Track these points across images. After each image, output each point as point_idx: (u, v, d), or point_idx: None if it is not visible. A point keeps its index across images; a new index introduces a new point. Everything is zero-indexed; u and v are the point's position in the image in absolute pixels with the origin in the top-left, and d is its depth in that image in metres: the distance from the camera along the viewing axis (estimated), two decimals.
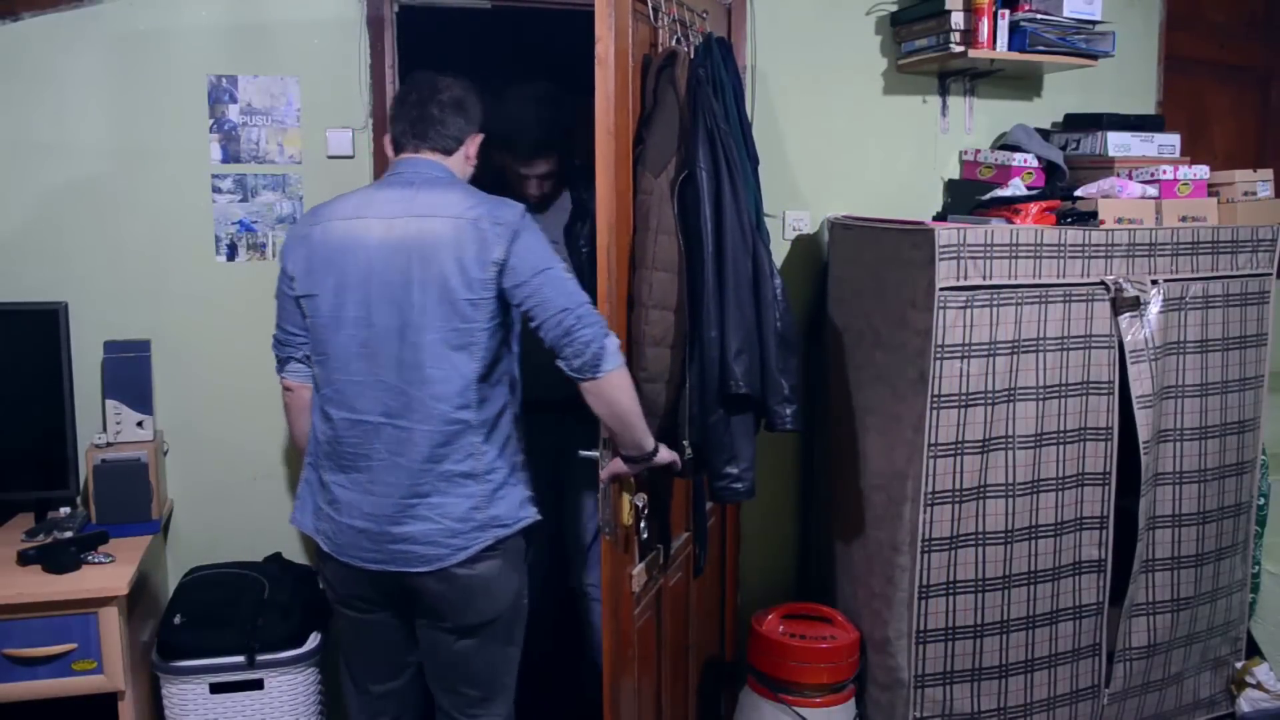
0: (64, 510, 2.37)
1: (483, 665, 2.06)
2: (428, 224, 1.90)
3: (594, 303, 1.91)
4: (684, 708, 2.74)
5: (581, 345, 1.85)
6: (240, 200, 2.53)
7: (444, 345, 1.89)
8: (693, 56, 2.24)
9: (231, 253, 2.54)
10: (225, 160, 2.51)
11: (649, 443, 1.99)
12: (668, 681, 2.54)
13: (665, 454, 2.04)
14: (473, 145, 2.06)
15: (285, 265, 2.00)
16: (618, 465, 2.02)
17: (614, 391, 1.89)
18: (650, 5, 2.16)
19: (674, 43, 2.20)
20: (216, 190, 2.52)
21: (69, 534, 2.25)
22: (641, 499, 2.09)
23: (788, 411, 2.21)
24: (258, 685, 2.28)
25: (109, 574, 2.09)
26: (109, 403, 2.41)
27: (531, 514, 2.02)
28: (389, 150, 2.06)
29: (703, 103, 2.12)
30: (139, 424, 2.42)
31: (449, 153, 2.02)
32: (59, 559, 2.10)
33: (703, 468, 2.22)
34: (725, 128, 2.16)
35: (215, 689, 2.26)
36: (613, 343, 1.88)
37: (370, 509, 1.94)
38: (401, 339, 1.90)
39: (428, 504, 1.92)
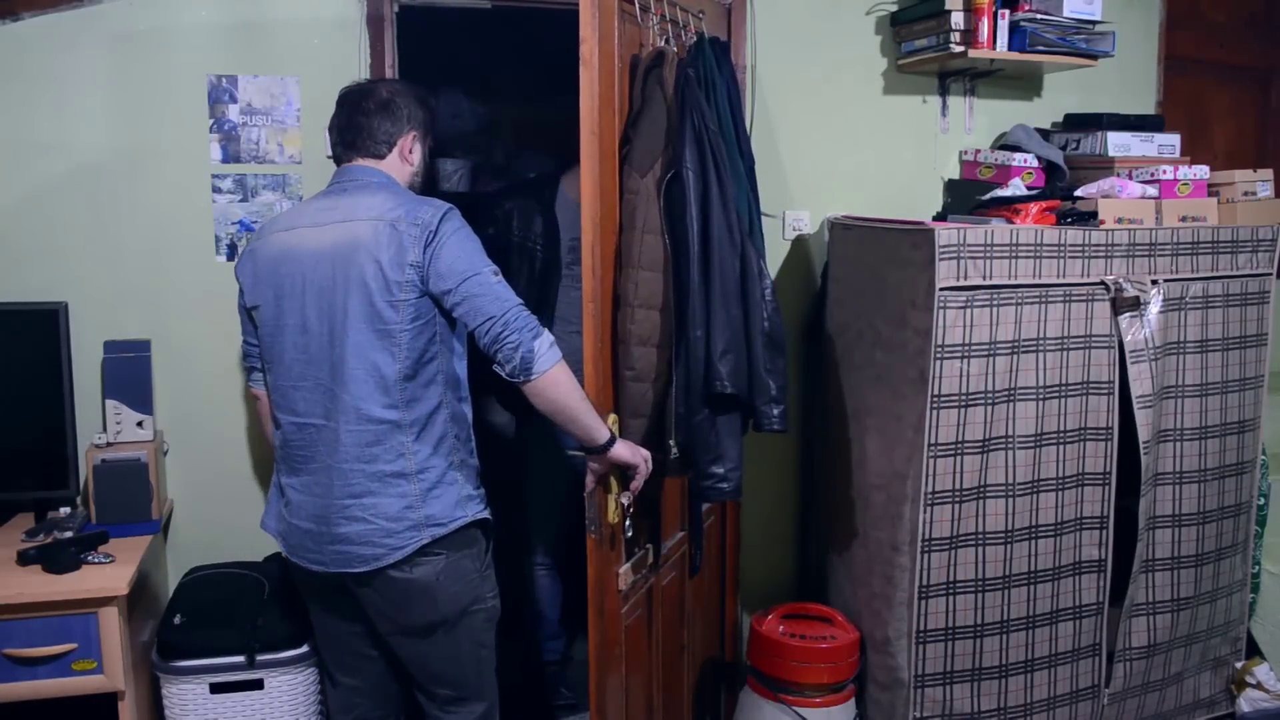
0: (64, 510, 2.37)
1: (444, 665, 2.08)
2: (349, 228, 1.93)
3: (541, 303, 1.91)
4: (680, 707, 2.74)
5: (510, 351, 1.87)
6: (240, 200, 2.53)
7: (365, 347, 1.91)
8: (684, 57, 2.24)
9: (231, 253, 2.54)
10: (225, 160, 2.51)
11: (600, 434, 1.98)
12: (661, 680, 2.55)
13: (623, 449, 2.02)
14: (407, 144, 2.07)
15: (237, 279, 2.06)
16: (590, 464, 2.04)
17: (551, 390, 1.90)
18: (638, 5, 2.16)
19: (663, 43, 2.20)
20: (216, 190, 2.52)
21: (69, 534, 2.25)
22: (628, 497, 2.10)
23: (774, 412, 2.21)
24: (258, 685, 2.28)
25: (109, 574, 2.09)
26: (109, 403, 2.41)
27: (471, 513, 2.01)
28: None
29: (691, 103, 2.11)
30: (139, 424, 2.42)
31: (380, 157, 2.05)
32: (59, 559, 2.10)
33: (689, 467, 2.22)
34: (714, 128, 2.15)
35: (215, 689, 2.26)
36: (542, 343, 1.88)
37: (313, 510, 1.99)
38: (331, 342, 1.94)
39: (361, 504, 1.94)
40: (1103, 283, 2.60)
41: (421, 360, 1.94)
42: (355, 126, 2.04)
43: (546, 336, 1.90)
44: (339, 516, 1.96)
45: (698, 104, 2.13)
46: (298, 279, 1.96)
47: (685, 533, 2.61)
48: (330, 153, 2.09)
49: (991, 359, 2.50)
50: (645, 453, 2.07)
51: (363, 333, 1.91)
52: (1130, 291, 2.60)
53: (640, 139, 2.11)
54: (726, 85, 2.35)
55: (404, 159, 2.08)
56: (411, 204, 1.95)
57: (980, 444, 2.52)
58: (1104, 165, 2.90)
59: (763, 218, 2.89)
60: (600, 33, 1.96)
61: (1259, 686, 2.98)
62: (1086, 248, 2.57)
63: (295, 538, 2.03)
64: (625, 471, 2.06)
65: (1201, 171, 2.83)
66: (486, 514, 2.05)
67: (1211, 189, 2.86)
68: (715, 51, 2.35)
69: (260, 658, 2.26)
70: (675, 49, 2.22)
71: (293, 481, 2.03)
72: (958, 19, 2.77)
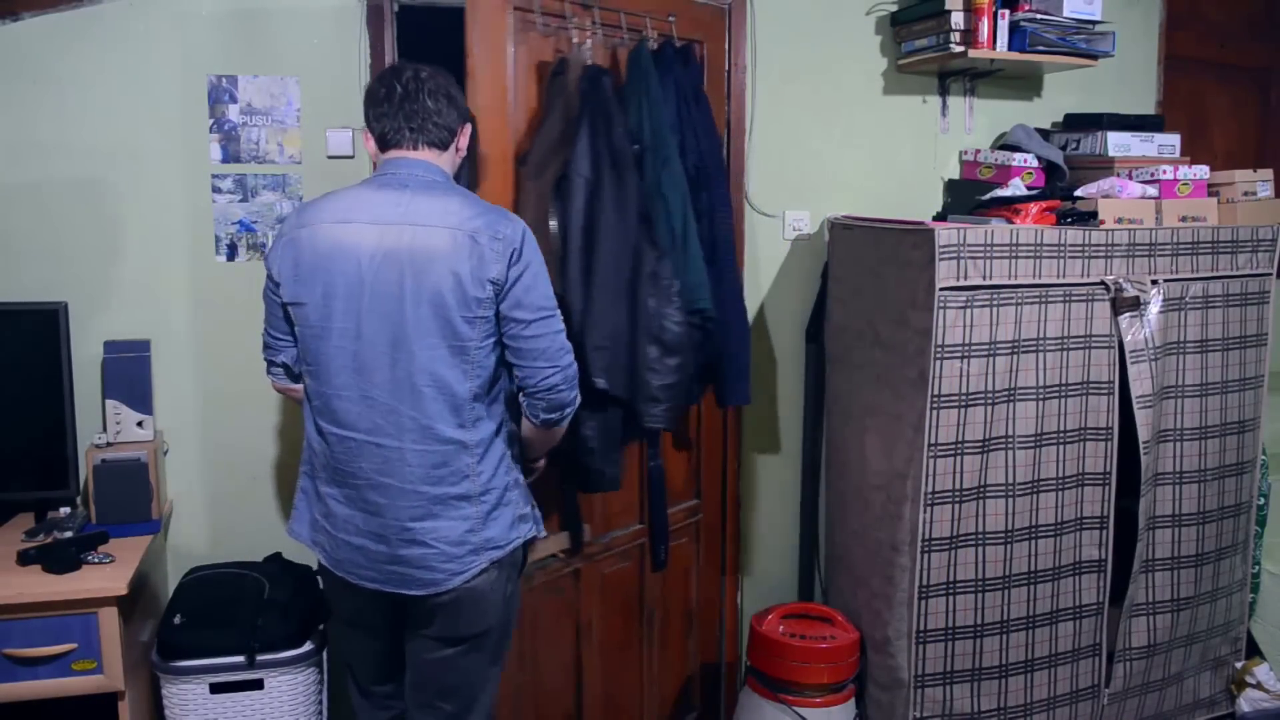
0: (64, 510, 2.37)
1: (461, 677, 2.01)
2: (423, 234, 1.79)
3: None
4: (640, 697, 2.80)
5: (556, 400, 1.88)
6: (240, 200, 2.53)
7: (438, 363, 1.80)
8: (608, 64, 2.33)
9: (231, 253, 2.54)
10: (225, 160, 2.51)
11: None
12: (598, 664, 2.65)
13: (542, 463, 2.14)
14: (464, 137, 1.95)
15: (271, 269, 1.89)
16: (538, 466, 2.13)
17: (555, 434, 1.99)
18: (540, 13, 2.24)
19: (588, 49, 2.27)
20: (216, 190, 2.52)
21: (69, 534, 2.25)
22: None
23: (654, 410, 2.23)
24: (258, 685, 2.28)
25: (109, 574, 2.09)
26: (109, 403, 2.41)
27: (524, 532, 1.97)
28: (371, 147, 1.92)
29: (593, 108, 2.16)
30: (139, 424, 2.42)
31: (444, 146, 1.90)
32: (59, 559, 2.10)
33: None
34: (621, 132, 2.19)
35: (215, 689, 2.26)
36: (578, 395, 1.93)
37: (365, 526, 1.88)
38: (393, 354, 1.81)
39: (423, 528, 1.85)
40: (1103, 283, 2.60)
41: (492, 380, 1.88)
42: (424, 111, 1.86)
43: (579, 391, 1.94)
44: (398, 539, 1.85)
45: (602, 109, 2.17)
46: (354, 280, 1.80)
47: (645, 526, 2.68)
48: (375, 134, 1.89)
49: (991, 359, 2.50)
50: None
51: (436, 348, 1.80)
52: (1130, 291, 2.60)
53: (537, 142, 2.19)
54: (678, 87, 2.40)
55: (458, 151, 1.96)
56: (489, 214, 1.83)
57: (980, 444, 2.52)
58: (1104, 165, 2.90)
59: (765, 217, 2.92)
60: (491, 45, 2.11)
61: (1259, 686, 2.98)
62: (1086, 248, 2.57)
63: (343, 552, 1.91)
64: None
65: (1201, 171, 2.83)
66: (535, 532, 2.01)
67: (1211, 189, 2.86)
68: (669, 55, 2.41)
69: (260, 658, 2.26)
70: (590, 56, 2.28)
71: (334, 492, 1.90)
72: (958, 19, 2.77)
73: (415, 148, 1.88)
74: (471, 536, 1.87)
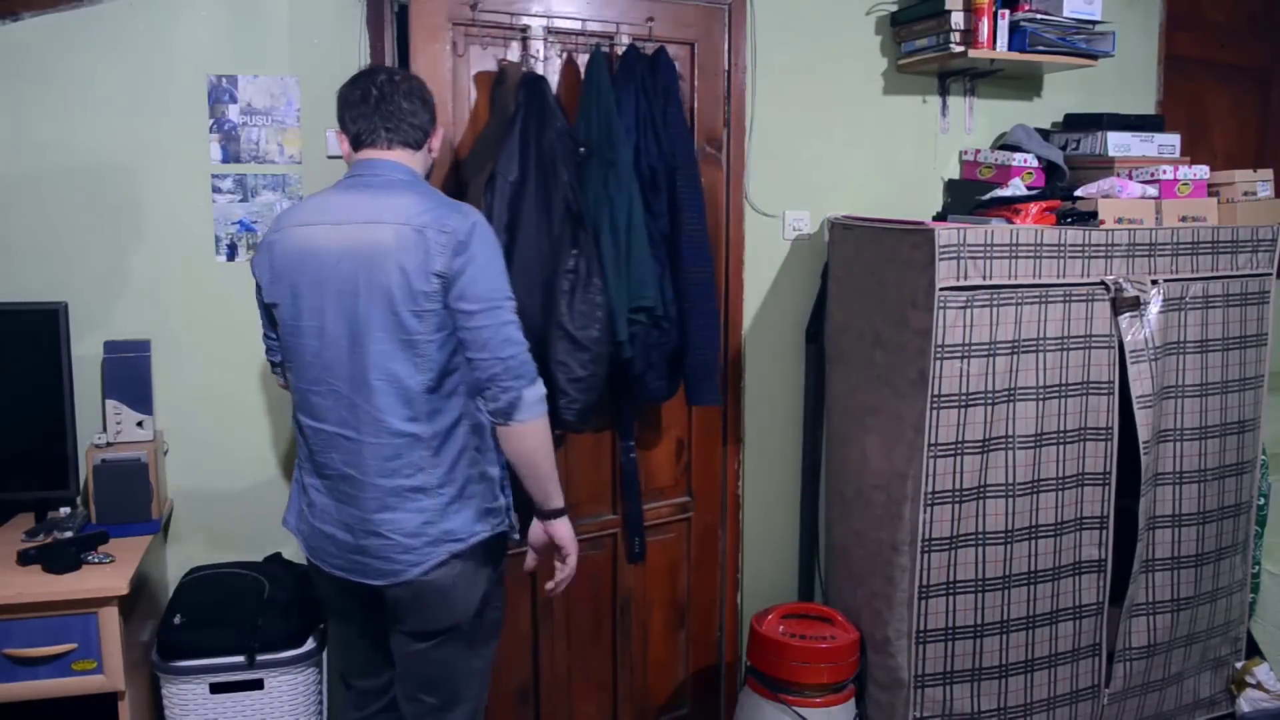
0: (64, 510, 2.37)
1: (439, 672, 2.03)
2: (374, 230, 1.85)
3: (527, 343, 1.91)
4: (612, 684, 2.89)
5: (499, 392, 1.85)
6: (240, 200, 2.53)
7: (389, 357, 1.85)
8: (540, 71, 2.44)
9: (231, 253, 2.54)
10: (225, 160, 2.51)
11: (554, 500, 1.98)
12: (562, 645, 2.78)
13: (564, 528, 2.01)
14: (436, 138, 2.02)
15: (254, 273, 1.99)
16: (534, 529, 2.04)
17: (523, 440, 1.89)
18: (485, 25, 2.42)
19: (526, 59, 2.43)
20: (216, 190, 2.52)
21: (69, 534, 2.25)
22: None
23: (558, 404, 2.27)
24: (258, 685, 2.27)
25: (109, 574, 2.09)
26: (109, 403, 2.40)
27: (492, 527, 1.97)
28: (345, 149, 1.98)
29: (528, 113, 2.29)
30: (139, 424, 2.42)
31: (417, 146, 1.97)
32: (59, 559, 2.09)
33: None
34: (553, 137, 2.30)
35: (215, 689, 2.26)
36: (533, 393, 1.86)
37: (338, 515, 1.95)
38: (351, 349, 1.87)
39: (380, 519, 1.90)
40: (1103, 283, 2.60)
41: (445, 372, 1.89)
42: (399, 111, 1.93)
43: (539, 388, 1.88)
44: (361, 529, 1.92)
45: (536, 114, 2.30)
46: (316, 280, 1.88)
47: (619, 517, 2.78)
48: (346, 132, 1.96)
49: (991, 359, 2.50)
50: (576, 546, 2.05)
51: (385, 342, 1.85)
52: (1130, 291, 2.60)
53: (476, 146, 2.38)
54: (642, 91, 2.48)
55: (429, 151, 2.02)
56: (440, 209, 1.86)
57: (980, 444, 2.52)
58: (1104, 165, 2.90)
59: (765, 217, 2.92)
60: (429, 56, 2.37)
61: (1259, 686, 2.98)
62: (1086, 248, 2.57)
63: (317, 540, 2.00)
64: (555, 552, 2.05)
65: (1201, 171, 2.83)
66: (505, 528, 2.01)
67: (1211, 189, 2.86)
68: (632, 60, 2.50)
69: (260, 658, 2.26)
70: (536, 64, 2.44)
71: (316, 483, 1.99)
72: (958, 19, 2.77)
73: (389, 147, 1.94)
74: (429, 529, 1.91)
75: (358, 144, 1.96)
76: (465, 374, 1.92)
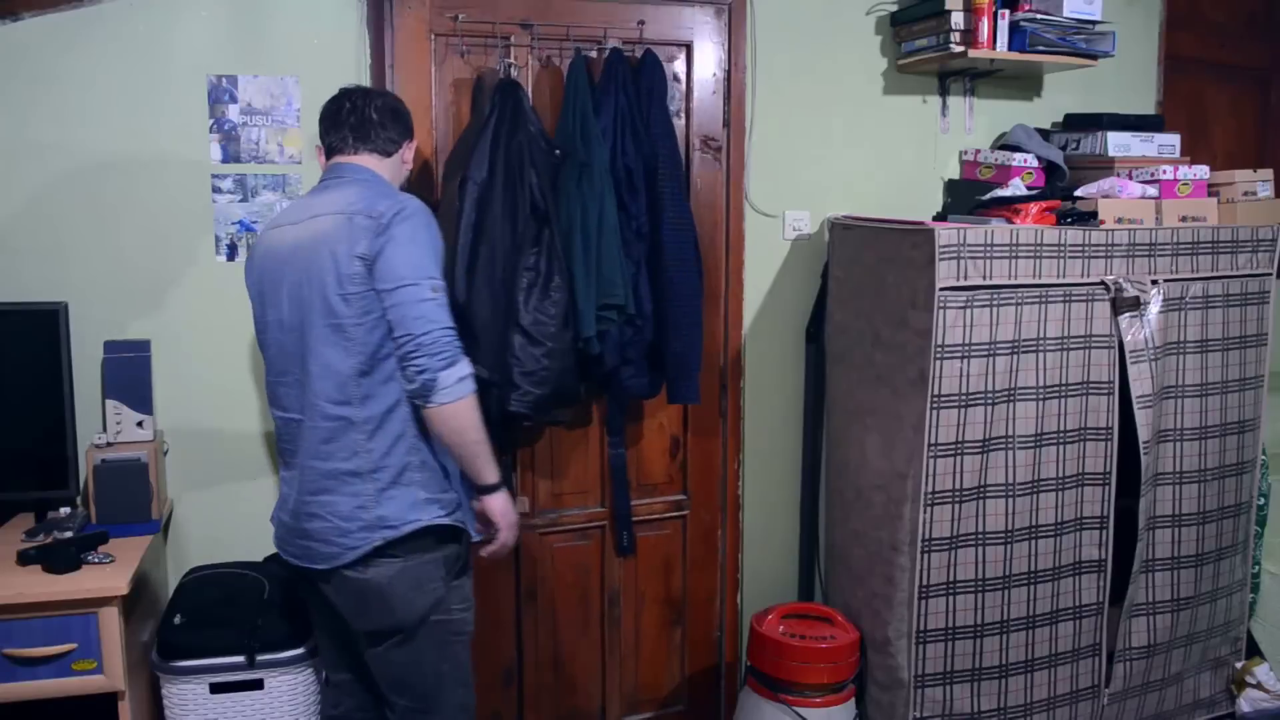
0: (64, 510, 2.37)
1: (402, 674, 2.04)
2: (317, 222, 1.95)
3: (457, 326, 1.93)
4: (600, 674, 2.93)
5: (414, 373, 1.87)
6: (240, 200, 2.53)
7: (322, 341, 1.92)
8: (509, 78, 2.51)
9: (231, 253, 2.54)
10: (225, 160, 2.51)
11: (486, 477, 1.99)
12: (548, 632, 2.85)
13: (497, 502, 2.01)
14: (409, 150, 2.14)
15: (246, 281, 2.11)
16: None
17: (445, 421, 1.90)
18: (467, 35, 2.52)
19: (503, 66, 2.50)
20: (216, 190, 2.52)
21: (69, 534, 2.25)
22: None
23: (509, 395, 2.37)
24: (258, 685, 2.27)
25: (109, 574, 2.09)
26: (109, 403, 2.40)
27: (428, 517, 1.97)
28: (321, 160, 2.12)
29: (500, 118, 2.39)
30: (139, 424, 2.42)
31: (385, 154, 2.08)
32: (59, 559, 2.09)
33: None
34: (522, 140, 2.38)
35: (215, 689, 2.26)
36: (449, 375, 1.86)
37: (291, 503, 2.03)
38: (299, 337, 1.96)
39: (319, 501, 1.96)
40: (1103, 283, 2.60)
41: (376, 356, 1.92)
42: (369, 123, 2.06)
43: (458, 370, 1.88)
44: (304, 512, 1.99)
45: (508, 119, 2.39)
46: (277, 276, 1.99)
47: (606, 509, 2.85)
48: (323, 143, 2.10)
49: (991, 359, 2.50)
50: (512, 519, 2.06)
51: (319, 327, 1.92)
52: (1130, 291, 2.60)
53: (454, 150, 2.50)
54: (625, 94, 2.53)
55: (404, 162, 2.14)
56: (374, 196, 1.94)
57: (980, 444, 2.52)
58: (1104, 165, 2.90)
59: (765, 217, 2.92)
60: (410, 66, 2.50)
61: (1259, 686, 2.98)
62: (1086, 248, 2.57)
63: (281, 530, 2.08)
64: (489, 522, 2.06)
65: (1201, 171, 2.83)
66: (450, 520, 2.00)
67: (1211, 189, 2.86)
68: (615, 63, 2.55)
69: (260, 658, 2.26)
70: (514, 71, 2.50)
71: (284, 474, 2.08)
72: (958, 19, 2.77)
73: (355, 153, 2.07)
74: (363, 513, 1.94)
75: (330, 153, 2.10)
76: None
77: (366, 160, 2.06)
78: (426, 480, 1.99)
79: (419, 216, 1.94)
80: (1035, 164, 2.90)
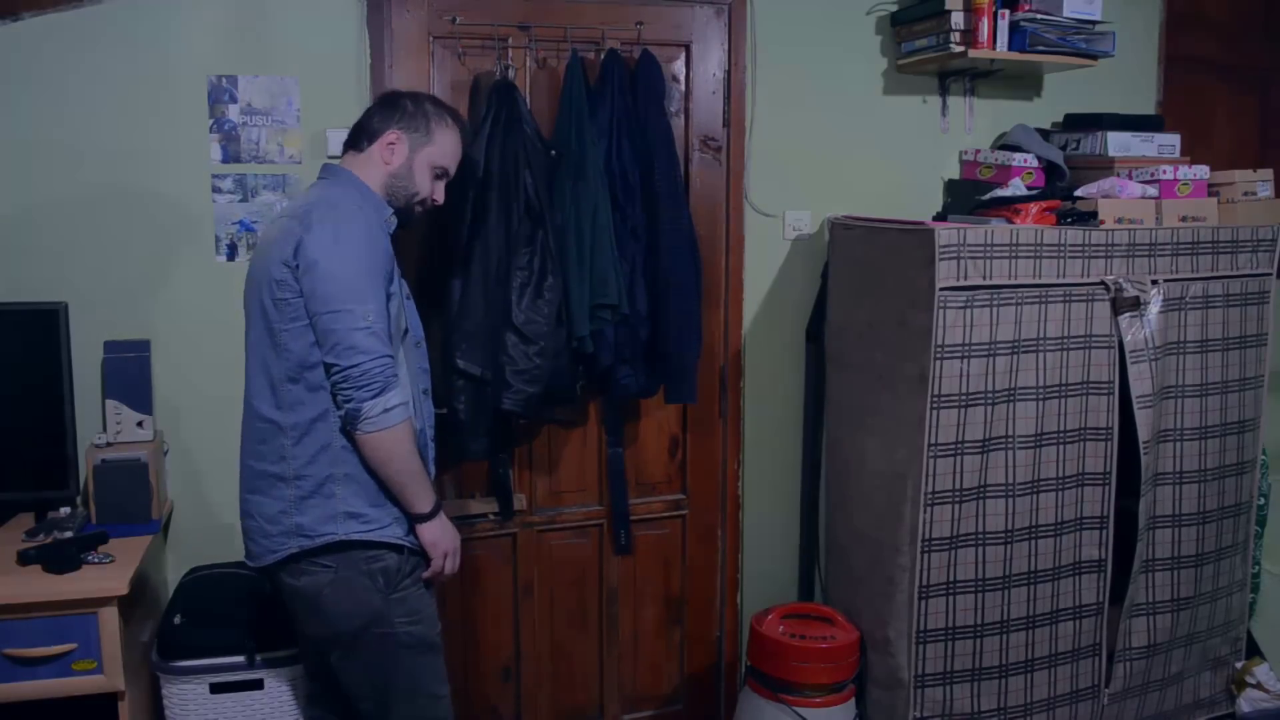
0: (64, 510, 2.37)
1: (353, 681, 2.04)
2: (276, 224, 1.99)
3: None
4: (598, 671, 2.94)
5: (342, 401, 1.88)
6: (240, 200, 2.53)
7: (259, 343, 1.95)
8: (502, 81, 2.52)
9: (231, 253, 2.54)
10: (225, 160, 2.51)
11: (418, 505, 1.96)
12: (545, 628, 2.88)
13: (431, 531, 1.98)
14: (386, 140, 2.03)
15: None
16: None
17: (374, 450, 1.89)
18: (465, 37, 2.55)
19: (501, 68, 2.51)
20: (216, 190, 2.52)
21: (69, 534, 2.25)
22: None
23: (502, 393, 2.40)
24: (258, 685, 2.28)
25: (109, 574, 2.09)
26: (109, 403, 2.40)
27: (344, 532, 1.92)
28: None
29: (495, 120, 2.42)
30: (139, 424, 2.42)
31: (359, 150, 2.06)
32: (59, 559, 2.10)
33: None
34: (517, 140, 2.41)
35: (215, 689, 2.26)
36: (375, 406, 1.85)
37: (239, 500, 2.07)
38: (252, 339, 2.00)
39: (252, 500, 1.99)
40: (1103, 283, 2.60)
41: (304, 364, 1.90)
42: (361, 120, 2.09)
43: (384, 400, 1.86)
44: (242, 510, 2.03)
45: (503, 121, 2.42)
46: (250, 279, 2.02)
47: (606, 508, 2.86)
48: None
49: (991, 359, 2.50)
50: (451, 547, 2.03)
51: (258, 329, 1.95)
52: (1130, 291, 2.60)
53: None
54: (621, 96, 2.55)
55: (383, 158, 2.04)
56: (316, 200, 1.95)
57: (980, 444, 2.52)
58: (1104, 165, 2.90)
59: (765, 217, 2.92)
60: (409, 70, 2.53)
61: (1259, 686, 2.98)
62: (1086, 248, 2.57)
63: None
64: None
65: (1201, 171, 2.83)
66: (373, 536, 1.94)
67: (1211, 189, 2.86)
68: (611, 65, 2.56)
69: (260, 657, 2.26)
70: (511, 74, 2.50)
71: None
72: (958, 19, 2.77)
73: (343, 154, 2.10)
74: (284, 518, 1.95)
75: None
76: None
77: (346, 160, 2.08)
78: (351, 494, 1.93)
79: (350, 226, 1.89)
80: (1035, 164, 2.90)
